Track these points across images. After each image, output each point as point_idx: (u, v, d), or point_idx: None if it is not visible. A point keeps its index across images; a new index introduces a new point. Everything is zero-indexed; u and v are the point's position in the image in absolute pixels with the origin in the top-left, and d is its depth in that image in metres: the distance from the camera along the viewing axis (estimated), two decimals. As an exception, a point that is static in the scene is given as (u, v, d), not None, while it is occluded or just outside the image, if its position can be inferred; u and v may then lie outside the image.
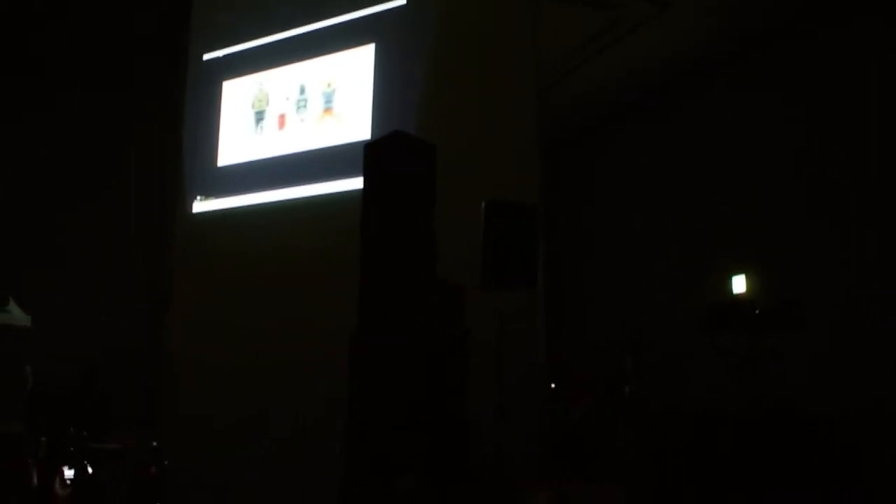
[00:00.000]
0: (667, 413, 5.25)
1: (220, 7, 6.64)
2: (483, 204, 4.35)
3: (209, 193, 6.21)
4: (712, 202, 7.35)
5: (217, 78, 6.39)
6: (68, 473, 5.33)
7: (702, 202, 7.49)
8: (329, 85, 5.74)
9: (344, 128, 5.58)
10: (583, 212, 8.84)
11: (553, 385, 5.84)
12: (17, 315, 5.79)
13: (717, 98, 7.55)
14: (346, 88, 5.65)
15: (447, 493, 3.75)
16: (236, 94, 6.26)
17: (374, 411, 3.72)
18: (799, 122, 6.66)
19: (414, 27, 5.46)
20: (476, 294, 4.28)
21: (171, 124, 6.82)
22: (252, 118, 6.11)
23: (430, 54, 5.35)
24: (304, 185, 5.69)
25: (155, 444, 5.78)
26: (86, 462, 5.43)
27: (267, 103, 6.05)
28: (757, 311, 5.20)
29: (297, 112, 5.87)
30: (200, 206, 6.25)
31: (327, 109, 5.73)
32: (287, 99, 5.94)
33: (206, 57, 6.51)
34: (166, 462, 5.63)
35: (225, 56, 6.39)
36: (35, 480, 5.14)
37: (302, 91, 5.86)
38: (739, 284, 6.88)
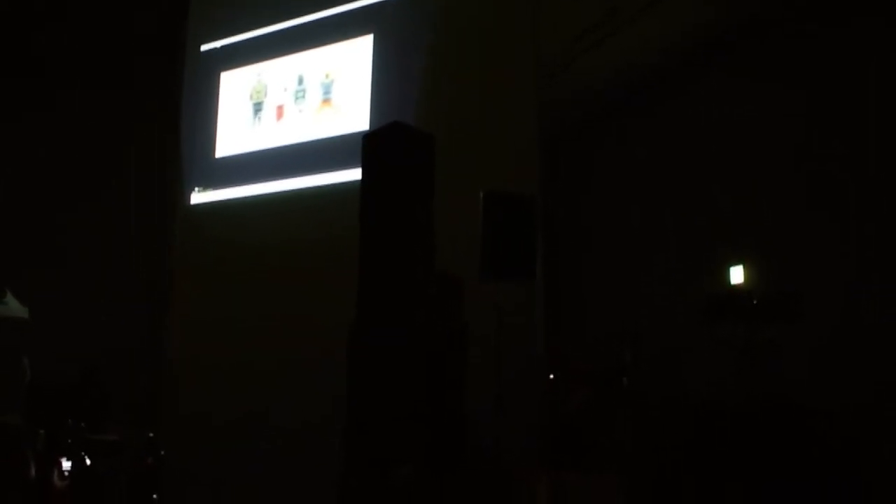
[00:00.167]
0: (665, 404, 5.25)
1: (218, -3, 6.61)
2: (481, 195, 4.34)
3: (207, 185, 6.19)
4: (711, 194, 7.36)
5: (215, 69, 6.37)
6: (66, 465, 5.34)
7: (700, 194, 7.49)
8: (327, 76, 5.72)
9: (342, 119, 5.56)
10: (581, 204, 8.83)
11: (551, 376, 5.85)
12: (14, 307, 5.79)
13: (715, 91, 7.54)
14: (344, 79, 5.63)
15: (445, 484, 3.75)
16: (234, 85, 6.24)
17: (372, 404, 3.71)
18: (798, 115, 6.65)
19: (413, 18, 5.44)
20: (474, 286, 4.28)
21: (170, 120, 6.81)
22: (250, 109, 6.09)
23: (429, 45, 5.33)
24: (302, 176, 5.68)
25: (151, 435, 5.79)
26: (83, 454, 5.43)
27: (265, 94, 6.03)
28: (755, 302, 5.21)
29: (295, 103, 5.85)
30: (198, 197, 6.23)
31: (326, 100, 5.71)
32: (285, 90, 5.91)
33: (204, 48, 6.48)
34: (162, 453, 5.64)
35: (223, 47, 6.36)
36: (33, 472, 5.15)
37: (300, 82, 5.84)
38: (737, 275, 6.88)
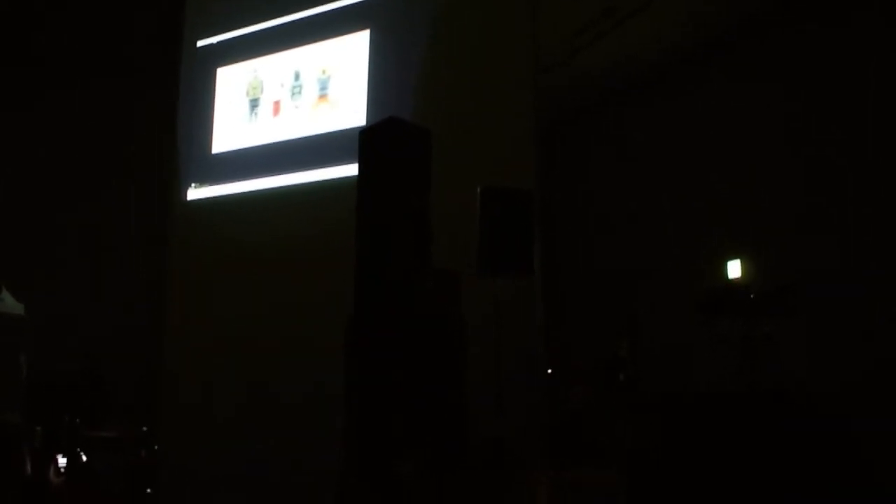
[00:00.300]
0: (664, 398, 5.25)
1: (214, -7, 6.59)
2: (479, 190, 4.34)
3: (204, 181, 6.18)
4: (709, 185, 7.36)
5: (211, 65, 6.35)
6: (62, 462, 5.33)
7: (698, 185, 7.49)
8: (324, 71, 5.70)
9: (339, 114, 5.55)
10: (579, 196, 8.83)
11: (550, 371, 5.85)
12: (10, 303, 5.77)
13: (713, 80, 7.55)
14: (341, 75, 5.62)
15: (445, 481, 3.75)
16: (230, 81, 6.22)
17: (371, 400, 3.71)
18: (796, 105, 6.65)
19: (409, 13, 5.43)
20: (472, 282, 4.28)
21: (167, 116, 6.80)
22: (246, 105, 6.08)
23: (425, 40, 5.32)
24: (299, 171, 5.67)
25: (145, 428, 5.78)
26: (79, 450, 5.43)
27: (261, 90, 6.02)
28: (752, 296, 5.20)
29: (291, 99, 5.84)
30: (195, 193, 6.22)
31: (322, 96, 5.70)
32: (282, 86, 5.90)
33: (200, 44, 6.46)
34: (156, 447, 5.64)
35: (219, 43, 6.34)
36: (29, 469, 5.14)
37: (297, 77, 5.83)
38: (735, 269, 6.89)
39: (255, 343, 5.52)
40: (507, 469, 4.11)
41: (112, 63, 8.65)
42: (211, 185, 6.14)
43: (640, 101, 8.41)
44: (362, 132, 4.07)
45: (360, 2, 5.68)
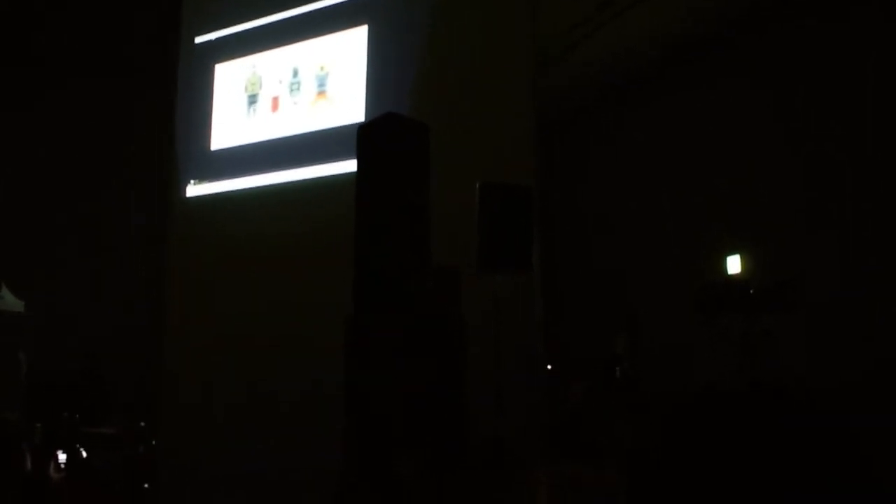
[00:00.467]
0: (663, 396, 5.25)
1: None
2: (478, 186, 4.33)
3: (203, 177, 6.17)
4: (707, 182, 7.35)
5: (209, 61, 6.34)
6: (62, 458, 5.34)
7: (696, 182, 7.49)
8: (322, 68, 5.69)
9: (337, 111, 5.54)
10: (578, 193, 8.82)
11: (550, 367, 5.85)
12: (10, 301, 5.78)
13: (712, 76, 7.54)
14: (339, 71, 5.61)
15: (445, 479, 3.74)
16: (229, 78, 6.21)
17: (370, 397, 3.70)
18: (795, 100, 6.64)
19: (408, 9, 5.42)
20: (472, 280, 4.27)
21: (165, 113, 6.79)
22: (245, 101, 6.07)
23: (424, 36, 5.31)
24: (297, 168, 5.66)
25: (143, 424, 5.78)
26: (79, 446, 5.43)
27: (260, 86, 6.01)
28: (751, 292, 5.20)
29: (290, 95, 5.83)
30: (194, 189, 6.21)
31: (321, 92, 5.69)
32: (280, 82, 5.89)
33: (198, 40, 6.44)
34: (154, 443, 5.63)
35: (217, 39, 6.33)
36: (29, 465, 5.14)
37: (295, 74, 5.82)
38: (734, 265, 6.89)
39: (254, 340, 5.51)
40: (506, 468, 4.10)
41: (111, 62, 8.67)
42: (210, 181, 6.14)
43: (638, 99, 8.40)
44: (360, 127, 4.06)
45: (358, -3, 5.67)
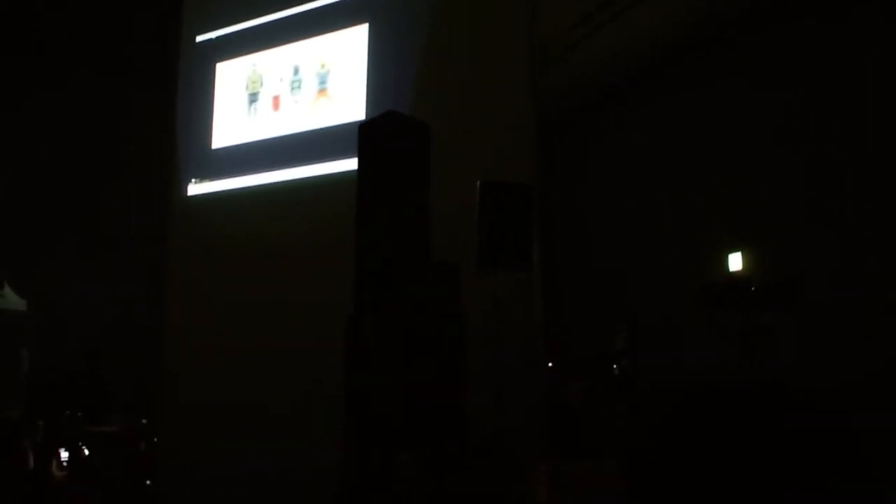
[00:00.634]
0: (663, 391, 5.25)
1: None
2: (478, 184, 4.34)
3: (204, 176, 6.18)
4: (707, 181, 7.35)
5: (210, 60, 6.35)
6: (64, 456, 5.34)
7: (697, 181, 7.48)
8: (323, 66, 5.71)
9: (338, 109, 5.55)
10: (578, 191, 8.83)
11: (550, 364, 5.84)
12: (12, 300, 5.79)
13: (712, 76, 7.54)
14: (340, 69, 5.62)
15: (445, 475, 3.75)
16: (230, 76, 6.22)
17: (371, 398, 3.71)
18: (795, 100, 6.65)
19: (408, 7, 5.43)
20: (472, 279, 4.28)
21: (166, 112, 6.81)
22: (246, 100, 6.08)
23: (424, 34, 5.32)
24: (299, 166, 5.67)
25: (144, 421, 5.79)
26: (81, 444, 5.43)
27: (261, 85, 6.02)
28: (753, 289, 5.20)
29: (291, 93, 5.84)
30: (195, 188, 6.22)
31: (321, 90, 5.70)
32: (281, 80, 5.90)
33: (199, 39, 6.46)
34: (155, 440, 5.64)
35: (218, 38, 6.34)
36: (32, 463, 5.15)
37: (296, 72, 5.83)
38: (736, 262, 6.89)
39: (254, 339, 5.52)
40: (506, 467, 4.10)
41: (111, 62, 8.67)
42: (211, 180, 6.15)
43: (638, 99, 8.40)
44: (361, 126, 4.08)
45: (358, -5, 5.69)
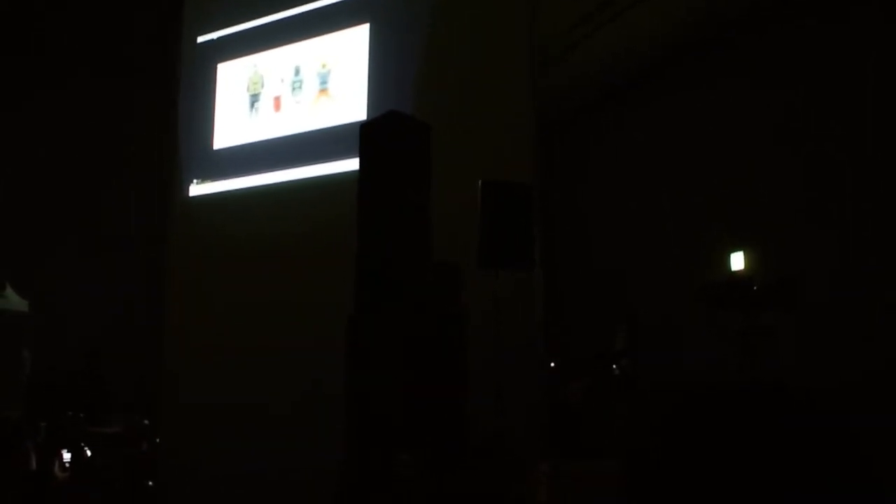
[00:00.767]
0: (663, 391, 5.25)
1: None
2: (479, 184, 4.35)
3: (205, 177, 6.19)
4: (708, 181, 7.35)
5: (211, 61, 6.36)
6: (67, 457, 5.35)
7: (697, 181, 7.48)
8: (324, 66, 5.71)
9: (339, 109, 5.56)
10: (578, 191, 8.82)
11: (552, 364, 5.84)
12: (14, 300, 5.80)
13: (712, 76, 7.54)
14: (341, 69, 5.63)
15: (445, 474, 3.76)
16: (231, 77, 6.23)
17: (372, 398, 3.72)
18: (795, 100, 6.65)
19: (409, 7, 5.44)
20: (474, 279, 4.29)
21: (168, 113, 6.82)
22: (247, 100, 6.09)
23: (425, 34, 5.33)
24: (300, 166, 5.68)
25: (146, 422, 5.79)
26: (83, 445, 5.44)
27: (262, 85, 6.03)
28: (755, 288, 5.20)
29: (292, 94, 5.85)
30: (197, 189, 6.23)
31: (323, 90, 5.70)
32: (282, 81, 5.91)
33: (200, 40, 6.47)
34: (158, 440, 5.65)
35: (219, 38, 6.35)
36: (34, 464, 5.15)
37: (297, 72, 5.84)
38: (738, 261, 6.88)
39: (256, 339, 5.52)
40: (506, 467, 4.11)
41: (111, 62, 8.68)
42: (213, 181, 6.15)
43: (638, 99, 8.40)
44: (362, 126, 4.10)
45: (359, -5, 5.69)
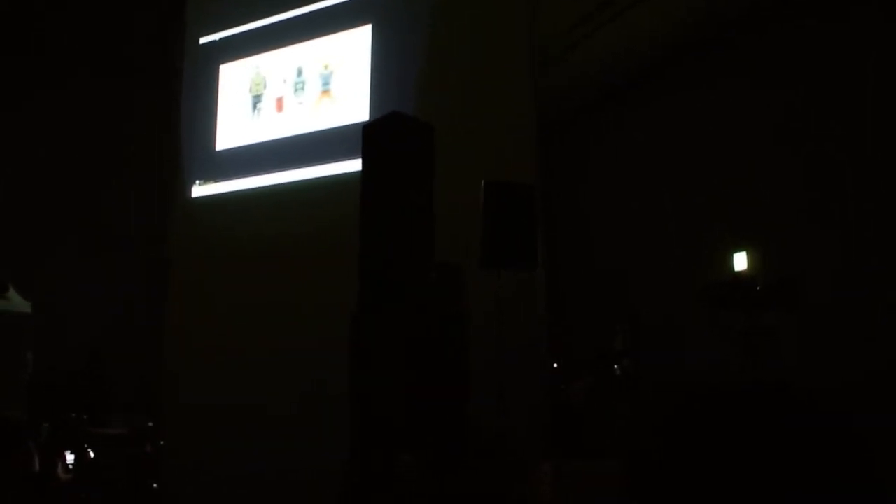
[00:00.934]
0: (665, 391, 5.26)
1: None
2: (482, 184, 4.36)
3: (208, 177, 6.19)
4: (709, 181, 7.36)
5: (214, 62, 6.36)
6: (70, 458, 5.35)
7: (698, 181, 7.50)
8: (326, 67, 5.71)
9: (342, 110, 5.56)
10: (579, 191, 8.84)
11: (556, 365, 5.85)
12: (16, 302, 5.80)
13: (712, 76, 7.55)
14: (343, 70, 5.63)
15: (448, 474, 3.76)
16: (233, 78, 6.23)
17: (375, 398, 3.72)
18: (795, 100, 6.66)
19: (411, 8, 5.44)
20: (477, 280, 4.29)
21: (170, 114, 6.82)
22: (250, 101, 6.09)
23: (427, 35, 5.33)
24: (302, 167, 5.68)
25: (150, 424, 5.79)
26: (86, 447, 5.44)
27: (264, 86, 6.03)
28: (758, 289, 5.21)
29: (294, 95, 5.85)
30: (199, 190, 6.23)
31: (325, 91, 5.71)
32: (284, 82, 5.91)
33: (203, 41, 6.47)
34: (161, 442, 5.65)
35: (221, 39, 6.35)
36: (37, 466, 5.15)
37: (299, 73, 5.84)
38: (741, 262, 6.88)
39: (258, 340, 5.52)
40: (509, 467, 4.11)
41: (112, 62, 8.68)
42: (215, 182, 6.16)
43: (638, 99, 8.41)
44: (365, 127, 4.09)
45: (361, -3, 5.69)
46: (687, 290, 6.58)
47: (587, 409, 5.77)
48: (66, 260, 8.25)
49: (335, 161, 5.46)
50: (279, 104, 5.92)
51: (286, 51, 5.94)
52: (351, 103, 5.52)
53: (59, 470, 5.30)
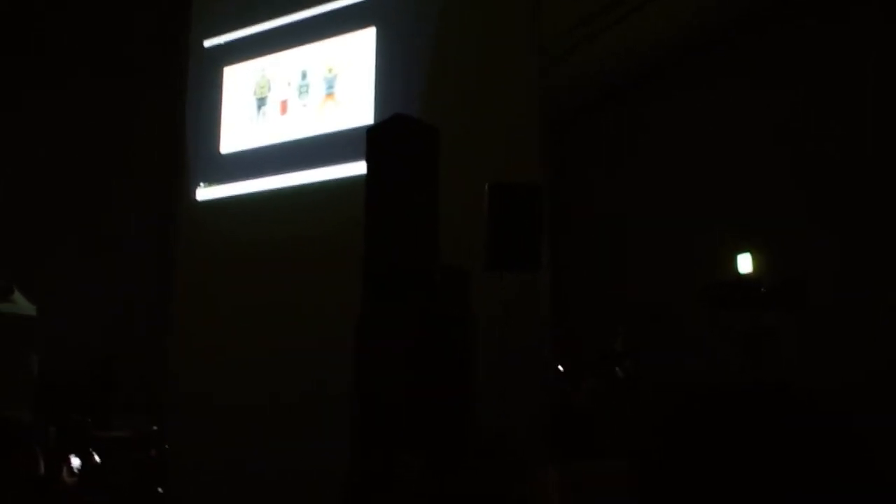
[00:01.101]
0: (667, 391, 5.29)
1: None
2: (487, 186, 4.37)
3: (212, 180, 6.20)
4: (708, 180, 7.38)
5: (218, 64, 6.36)
6: (75, 462, 5.35)
7: (697, 180, 7.51)
8: (330, 70, 5.72)
9: (346, 113, 5.56)
10: (580, 193, 8.85)
11: (560, 367, 5.86)
12: (22, 304, 5.80)
13: (714, 76, 7.57)
14: (347, 73, 5.63)
15: (452, 476, 3.78)
16: (238, 81, 6.23)
17: (379, 399, 3.74)
18: (796, 100, 6.68)
19: (415, 10, 5.44)
20: (481, 282, 4.30)
21: (174, 116, 6.82)
22: (254, 104, 6.09)
23: (431, 37, 5.33)
24: (307, 170, 5.69)
25: (155, 428, 5.80)
26: (92, 450, 5.44)
27: (269, 89, 6.03)
28: (762, 290, 5.24)
29: (299, 97, 5.85)
30: (203, 193, 6.24)
31: (329, 94, 5.71)
32: (289, 84, 5.91)
33: (207, 44, 6.47)
34: (167, 446, 5.66)
35: (226, 42, 6.35)
36: (42, 469, 5.16)
37: (304, 76, 5.84)
38: (745, 263, 6.90)
39: (263, 343, 5.53)
40: (511, 468, 4.13)
41: (112, 62, 8.68)
42: (219, 184, 6.17)
43: (638, 99, 8.43)
44: (369, 130, 4.09)
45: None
46: (687, 290, 6.59)
47: (589, 410, 5.79)
48: (68, 261, 8.24)
49: (339, 164, 5.47)
50: (283, 107, 5.93)
51: (290, 53, 5.94)
52: (355, 106, 5.52)
53: (64, 474, 5.30)
